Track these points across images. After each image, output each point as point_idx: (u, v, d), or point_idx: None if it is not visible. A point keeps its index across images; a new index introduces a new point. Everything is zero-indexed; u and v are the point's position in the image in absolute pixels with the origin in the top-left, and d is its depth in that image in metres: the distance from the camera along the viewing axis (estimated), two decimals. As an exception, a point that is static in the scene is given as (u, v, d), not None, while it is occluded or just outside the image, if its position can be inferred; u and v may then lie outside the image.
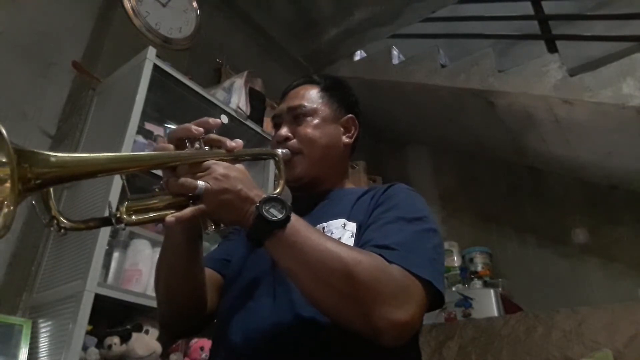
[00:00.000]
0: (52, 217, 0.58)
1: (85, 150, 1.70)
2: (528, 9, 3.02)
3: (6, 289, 1.48)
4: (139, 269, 1.51)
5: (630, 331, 1.74)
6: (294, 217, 0.65)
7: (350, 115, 0.99)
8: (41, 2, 1.83)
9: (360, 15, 2.88)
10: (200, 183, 0.64)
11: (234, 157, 0.72)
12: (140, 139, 1.67)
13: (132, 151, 1.52)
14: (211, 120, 0.72)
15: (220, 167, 0.66)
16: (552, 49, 2.73)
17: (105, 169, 0.62)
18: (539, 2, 2.94)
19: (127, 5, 2.05)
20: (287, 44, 3.05)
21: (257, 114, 2.15)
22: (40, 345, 1.33)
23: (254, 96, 2.16)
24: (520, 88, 2.43)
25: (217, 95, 2.03)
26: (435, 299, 0.70)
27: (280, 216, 0.63)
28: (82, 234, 1.42)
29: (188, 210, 0.64)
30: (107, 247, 1.39)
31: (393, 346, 0.63)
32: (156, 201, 0.66)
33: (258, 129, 2.08)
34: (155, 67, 1.69)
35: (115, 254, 1.52)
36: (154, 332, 1.48)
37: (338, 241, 0.69)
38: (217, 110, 1.93)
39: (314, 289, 0.64)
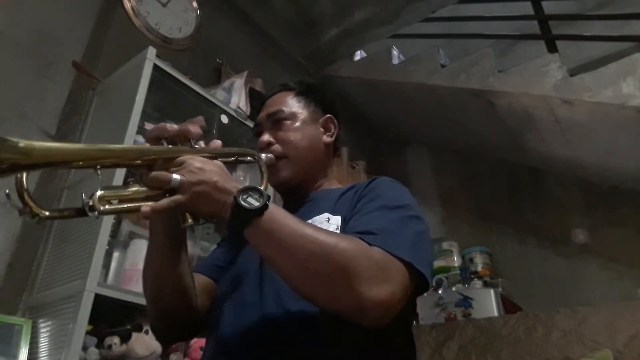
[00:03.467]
0: (24, 205, 0.59)
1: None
2: (528, 9, 3.01)
3: (6, 289, 1.48)
4: (139, 269, 1.50)
5: (630, 331, 1.74)
6: (271, 205, 0.66)
7: (328, 115, 1.01)
8: (41, 2, 1.83)
9: (360, 15, 2.88)
10: (175, 176, 0.64)
11: (212, 156, 0.72)
12: (140, 139, 1.67)
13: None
14: (192, 127, 0.72)
15: (195, 161, 0.67)
16: (552, 49, 2.73)
17: (75, 159, 0.62)
18: (539, 2, 2.94)
19: (127, 5, 2.05)
20: (287, 44, 3.05)
21: (257, 114, 2.13)
22: (40, 345, 1.33)
23: (254, 96, 2.16)
24: (520, 88, 2.43)
25: (217, 95, 2.03)
26: (420, 283, 0.70)
27: (257, 204, 0.64)
28: (82, 234, 1.43)
29: (164, 201, 0.64)
30: (107, 247, 1.39)
31: (375, 325, 0.64)
32: (131, 193, 0.66)
33: (258, 129, 2.07)
34: (155, 67, 1.69)
35: (115, 254, 1.52)
36: (154, 332, 1.48)
37: (317, 227, 0.70)
38: (217, 110, 1.94)
39: (294, 273, 0.65)
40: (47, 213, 0.60)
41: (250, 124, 2.05)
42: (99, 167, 0.63)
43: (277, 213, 0.66)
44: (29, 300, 1.48)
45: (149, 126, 1.75)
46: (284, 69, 2.97)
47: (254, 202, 0.64)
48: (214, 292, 0.89)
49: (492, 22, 3.38)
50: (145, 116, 1.65)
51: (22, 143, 0.55)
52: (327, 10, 2.88)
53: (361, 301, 0.61)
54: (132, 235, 1.56)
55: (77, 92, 1.83)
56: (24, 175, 0.58)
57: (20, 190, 0.58)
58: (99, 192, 0.62)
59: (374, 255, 0.65)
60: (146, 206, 0.63)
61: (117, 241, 1.53)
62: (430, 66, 2.84)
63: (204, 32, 2.37)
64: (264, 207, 0.64)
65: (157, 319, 0.84)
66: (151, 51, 1.69)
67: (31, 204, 0.59)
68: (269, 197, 0.66)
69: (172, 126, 0.71)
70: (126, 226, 1.56)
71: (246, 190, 0.65)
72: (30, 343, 1.33)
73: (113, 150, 0.66)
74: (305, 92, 1.01)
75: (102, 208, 0.61)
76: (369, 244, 0.66)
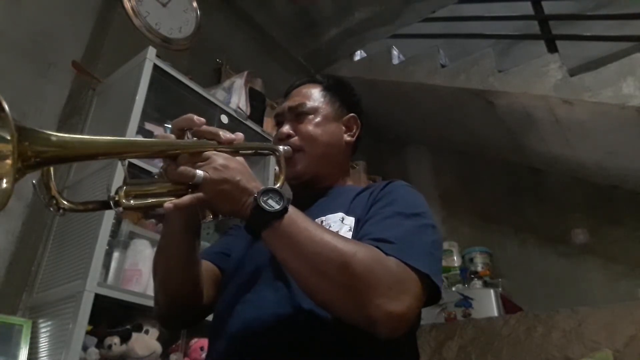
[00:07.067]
0: (51, 197, 0.59)
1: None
2: (528, 9, 3.02)
3: (6, 289, 1.48)
4: (139, 269, 1.51)
5: (630, 331, 1.74)
6: (291, 209, 0.66)
7: (352, 114, 0.99)
8: (41, 2, 1.83)
9: (360, 15, 2.88)
10: (199, 172, 0.64)
11: (234, 150, 0.72)
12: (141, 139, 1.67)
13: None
14: (195, 117, 0.74)
15: (220, 158, 0.67)
16: (552, 49, 2.74)
17: (104, 152, 0.64)
18: (539, 2, 2.95)
19: (127, 5, 2.05)
20: (287, 44, 3.05)
21: (257, 114, 2.15)
22: (40, 345, 1.33)
23: (254, 96, 2.16)
24: (520, 88, 2.43)
25: (217, 95, 2.03)
26: (432, 293, 0.70)
27: (277, 207, 0.64)
28: (82, 234, 1.43)
29: (187, 198, 0.64)
30: (107, 247, 1.39)
31: (388, 337, 0.63)
32: (155, 188, 0.66)
33: (258, 129, 2.08)
34: (155, 67, 1.69)
35: (115, 254, 1.52)
36: (154, 332, 1.48)
37: (335, 233, 0.69)
38: (217, 110, 1.93)
39: (310, 279, 0.65)
40: (71, 206, 0.61)
41: (251, 124, 2.05)
42: (124, 159, 0.64)
43: (296, 217, 0.66)
44: (29, 300, 1.48)
45: (149, 126, 1.75)
46: (284, 69, 2.97)
47: (274, 204, 0.64)
48: (218, 279, 0.89)
49: (492, 22, 3.38)
50: (145, 116, 1.65)
51: (54, 137, 0.56)
52: (327, 10, 2.88)
53: (376, 314, 0.61)
54: (132, 236, 1.56)
55: (77, 92, 1.83)
56: (51, 168, 0.59)
57: (47, 182, 0.59)
58: (124, 188, 0.63)
59: (390, 266, 0.64)
60: (169, 203, 0.63)
61: (117, 241, 1.52)
62: (430, 66, 2.84)
63: (204, 32, 2.37)
64: (284, 210, 0.64)
65: (165, 306, 0.84)
66: (151, 51, 1.69)
67: (57, 196, 0.60)
68: (289, 200, 0.66)
69: (199, 118, 0.71)
70: (126, 226, 1.56)
71: (267, 192, 0.65)
72: (30, 343, 1.33)
73: (140, 144, 0.68)
74: (331, 88, 0.99)
75: (127, 203, 0.62)
76: (386, 254, 0.66)
